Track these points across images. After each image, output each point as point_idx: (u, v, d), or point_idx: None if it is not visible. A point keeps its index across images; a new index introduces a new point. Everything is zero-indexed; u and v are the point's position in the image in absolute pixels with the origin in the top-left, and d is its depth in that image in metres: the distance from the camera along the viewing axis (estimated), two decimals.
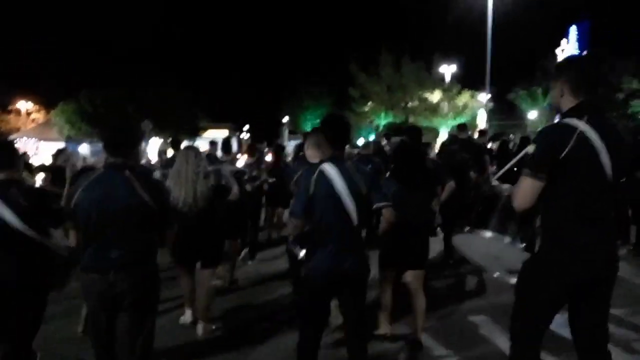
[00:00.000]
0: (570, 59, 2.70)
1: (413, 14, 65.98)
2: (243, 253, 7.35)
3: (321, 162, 3.15)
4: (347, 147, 3.76)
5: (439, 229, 6.01)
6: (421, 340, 4.19)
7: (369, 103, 34.16)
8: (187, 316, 4.86)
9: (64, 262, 3.30)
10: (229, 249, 5.96)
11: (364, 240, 3.29)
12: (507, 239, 2.87)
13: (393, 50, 30.24)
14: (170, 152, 9.59)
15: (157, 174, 6.02)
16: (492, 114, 34.21)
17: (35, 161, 11.75)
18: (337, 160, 3.11)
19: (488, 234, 2.93)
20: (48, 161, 7.99)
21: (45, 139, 25.96)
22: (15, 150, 3.30)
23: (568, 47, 15.14)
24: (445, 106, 30.34)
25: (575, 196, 2.36)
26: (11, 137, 28.52)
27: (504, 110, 34.83)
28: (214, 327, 4.63)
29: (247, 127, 57.43)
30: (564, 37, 14.65)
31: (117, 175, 2.83)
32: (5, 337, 3.13)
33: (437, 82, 30.95)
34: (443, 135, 32.54)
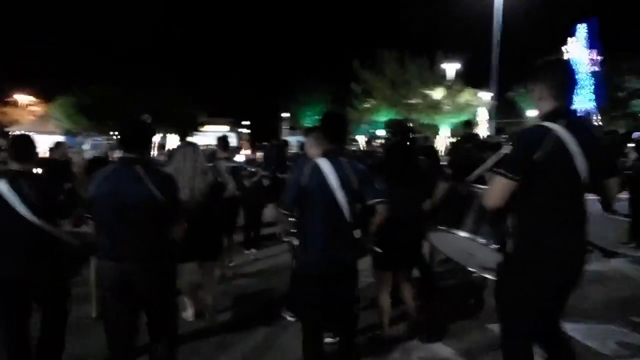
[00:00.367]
0: (550, 62, 2.61)
1: (416, 10, 65.81)
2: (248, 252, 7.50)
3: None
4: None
5: None
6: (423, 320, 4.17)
7: (369, 99, 34.05)
8: (189, 313, 4.82)
9: (74, 251, 3.41)
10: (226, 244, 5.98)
11: (358, 237, 3.29)
12: (482, 239, 2.83)
13: (396, 47, 30.18)
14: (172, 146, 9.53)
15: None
16: (492, 112, 34.13)
17: None
18: (332, 155, 3.15)
19: (463, 233, 2.89)
20: (45, 154, 7.89)
21: (43, 132, 25.80)
22: (33, 144, 3.38)
23: (575, 45, 14.93)
24: (446, 104, 30.19)
25: (549, 199, 2.37)
26: (9, 129, 28.42)
27: (505, 109, 34.76)
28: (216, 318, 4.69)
29: (246, 122, 57.25)
30: (570, 35, 14.54)
31: (130, 169, 2.91)
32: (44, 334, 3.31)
33: (439, 79, 30.78)
34: (443, 133, 32.68)
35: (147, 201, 2.86)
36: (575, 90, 2.59)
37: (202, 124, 37.34)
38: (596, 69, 15.00)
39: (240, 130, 46.29)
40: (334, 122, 3.35)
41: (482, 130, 28.91)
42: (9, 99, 38.21)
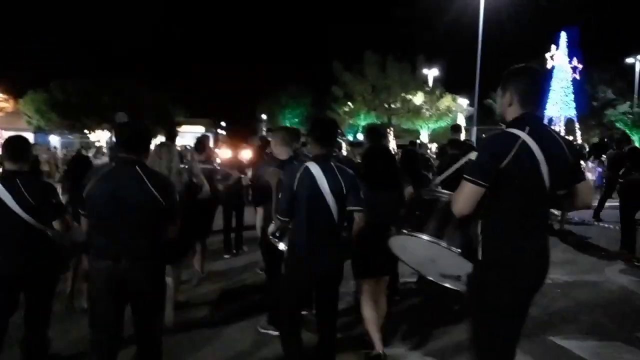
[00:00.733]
0: (519, 69, 2.55)
1: (399, 14, 66.05)
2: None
3: (295, 159, 3.32)
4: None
5: None
6: (384, 353, 3.94)
7: (349, 103, 33.95)
8: None
9: (65, 250, 3.55)
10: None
11: (343, 239, 3.36)
12: (444, 244, 2.76)
13: (378, 50, 30.18)
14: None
15: None
16: (469, 119, 34.45)
17: None
18: (322, 159, 3.21)
19: (425, 237, 2.82)
20: None
21: (12, 129, 24.85)
22: (29, 144, 3.53)
23: (558, 53, 15.10)
24: (427, 109, 30.32)
25: (516, 206, 2.40)
26: None
27: (483, 115, 35.14)
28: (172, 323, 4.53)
29: (223, 123, 56.63)
30: (553, 43, 14.69)
31: (129, 170, 2.94)
32: (27, 323, 3.41)
33: (420, 84, 30.93)
34: (423, 138, 32.82)
35: (148, 202, 2.91)
36: (543, 98, 2.61)
37: (180, 124, 36.71)
38: (577, 77, 15.23)
39: (219, 131, 45.68)
40: (324, 127, 3.41)
41: (462, 136, 29.01)
42: None
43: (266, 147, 7.95)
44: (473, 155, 2.45)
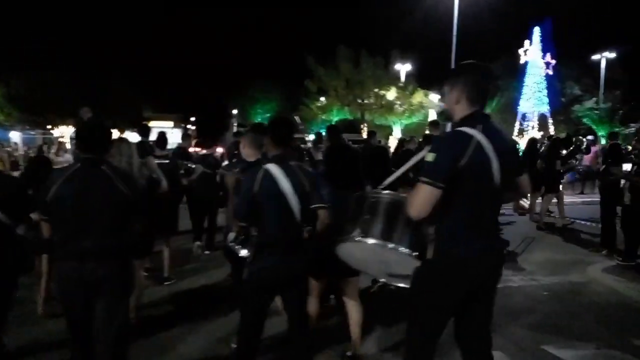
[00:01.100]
0: (467, 67, 2.57)
1: (372, 8, 65.76)
2: (196, 245, 7.39)
3: (263, 161, 3.25)
4: None
5: None
6: (361, 355, 3.97)
7: (322, 99, 33.65)
8: None
9: (31, 248, 3.52)
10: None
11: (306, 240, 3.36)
12: (391, 245, 2.73)
13: (351, 43, 29.91)
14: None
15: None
16: (441, 115, 34.62)
17: None
18: (282, 160, 3.19)
19: (372, 240, 2.80)
20: None
21: None
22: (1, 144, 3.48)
23: (532, 48, 15.12)
24: (400, 104, 30.24)
25: (469, 205, 2.40)
26: None
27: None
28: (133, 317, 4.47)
29: (193, 118, 55.54)
30: (527, 37, 14.72)
31: (95, 170, 2.95)
32: None
33: (393, 79, 30.80)
34: (396, 134, 32.81)
35: (118, 200, 2.93)
36: (488, 96, 2.58)
37: (148, 119, 35.83)
38: (550, 72, 15.32)
39: (188, 126, 44.78)
40: (281, 127, 3.37)
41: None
42: None
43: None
44: (428, 155, 2.38)
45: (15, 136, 34.59)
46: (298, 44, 52.64)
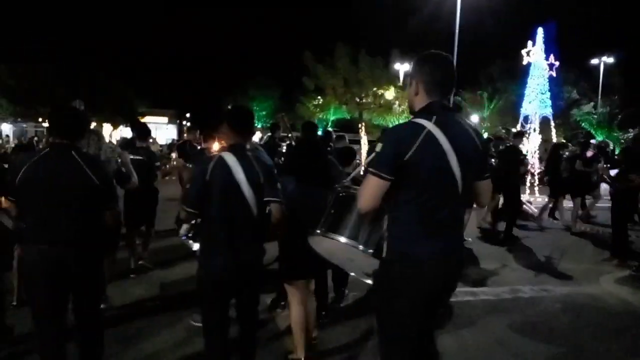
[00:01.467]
0: (426, 57, 2.45)
1: (372, 6, 65.14)
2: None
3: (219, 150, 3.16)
4: None
5: None
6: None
7: (319, 97, 33.30)
8: None
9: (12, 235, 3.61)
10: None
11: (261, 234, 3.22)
12: (361, 247, 2.66)
13: (350, 42, 29.52)
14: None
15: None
16: None
17: None
18: (238, 149, 3.09)
19: (342, 239, 2.72)
20: None
21: None
22: None
23: (534, 49, 14.82)
24: (399, 104, 29.92)
25: (421, 200, 2.27)
26: None
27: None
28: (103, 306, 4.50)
29: (188, 115, 54.99)
30: (530, 39, 14.45)
31: (65, 155, 2.93)
32: None
33: (393, 79, 30.47)
34: None
35: (86, 187, 2.92)
36: (451, 88, 2.45)
37: (142, 115, 35.34)
38: (553, 74, 15.07)
39: (184, 122, 44.27)
40: (241, 117, 3.27)
41: None
42: None
43: None
44: (377, 146, 2.30)
45: (6, 128, 34.02)
46: (297, 41, 52.11)
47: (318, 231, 2.87)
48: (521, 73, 33.44)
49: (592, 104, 34.86)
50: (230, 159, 3.00)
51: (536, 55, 14.84)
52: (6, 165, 5.95)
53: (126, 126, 33.63)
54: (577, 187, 9.71)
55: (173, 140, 31.63)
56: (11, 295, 4.63)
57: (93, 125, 30.80)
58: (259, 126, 42.78)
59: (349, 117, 32.60)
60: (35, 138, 22.48)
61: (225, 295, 3.09)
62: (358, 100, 30.10)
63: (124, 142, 8.84)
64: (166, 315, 4.72)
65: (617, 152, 17.95)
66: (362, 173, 3.56)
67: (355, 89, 29.87)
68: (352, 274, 3.24)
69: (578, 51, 34.14)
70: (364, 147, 15.11)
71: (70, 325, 3.10)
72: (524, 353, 4.23)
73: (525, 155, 10.34)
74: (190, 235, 3.55)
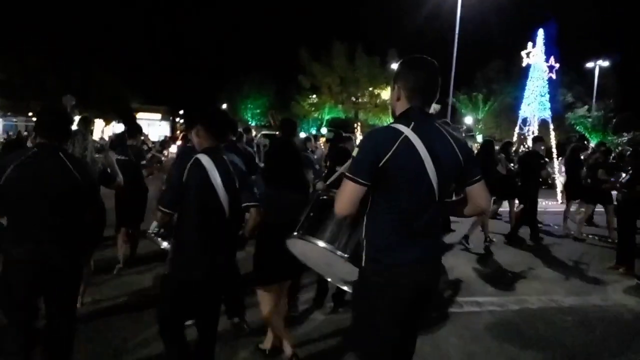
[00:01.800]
0: (410, 63, 2.42)
1: (371, 5, 64.72)
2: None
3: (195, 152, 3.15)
4: None
5: None
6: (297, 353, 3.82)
7: (313, 96, 33.02)
8: None
9: None
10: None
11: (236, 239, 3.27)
12: (339, 252, 2.60)
13: (346, 41, 29.21)
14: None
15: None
16: (436, 117, 34.24)
17: None
18: (214, 152, 3.07)
19: (320, 243, 2.66)
20: None
21: None
22: None
23: (534, 51, 14.69)
24: None
25: (398, 209, 2.26)
26: None
27: (444, 114, 35.10)
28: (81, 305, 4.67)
29: (182, 111, 54.51)
30: (530, 39, 14.32)
31: (52, 155, 2.97)
32: None
33: (390, 78, 30.27)
34: None
35: (72, 188, 2.97)
36: (433, 95, 2.36)
37: (135, 111, 34.93)
38: (553, 76, 14.89)
39: (177, 119, 43.83)
40: (217, 119, 3.25)
41: None
42: None
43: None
44: (355, 150, 2.30)
45: None
46: (293, 38, 51.82)
47: (295, 233, 2.82)
48: (518, 75, 33.66)
49: (586, 107, 34.86)
50: (207, 161, 2.98)
51: (536, 57, 14.69)
52: None
53: (119, 122, 33.21)
54: (595, 194, 9.49)
55: (166, 137, 31.33)
56: None
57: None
58: (253, 124, 42.50)
59: (343, 117, 32.37)
60: (25, 133, 22.07)
61: (192, 296, 3.07)
62: (354, 99, 29.83)
63: (114, 139, 8.62)
64: (148, 313, 4.61)
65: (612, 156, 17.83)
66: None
67: (351, 88, 29.61)
68: (329, 279, 3.17)
69: (573, 54, 34.17)
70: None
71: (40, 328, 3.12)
72: None
73: (546, 160, 10.22)
74: (159, 232, 3.54)
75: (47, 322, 3.09)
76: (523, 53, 15.01)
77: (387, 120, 30.57)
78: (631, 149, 8.28)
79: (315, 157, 8.61)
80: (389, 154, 2.17)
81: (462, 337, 4.60)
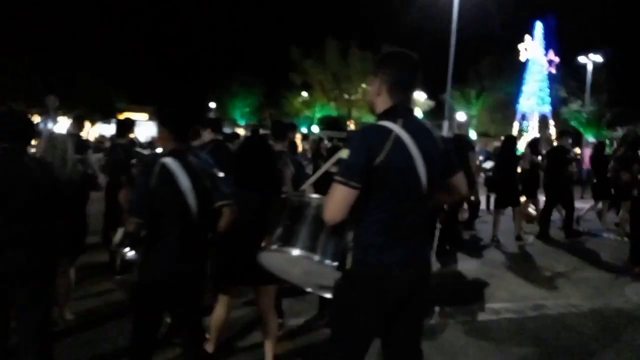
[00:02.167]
0: (391, 56, 2.37)
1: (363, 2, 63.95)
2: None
3: (161, 155, 3.07)
4: None
5: None
6: None
7: (305, 93, 32.55)
8: None
9: None
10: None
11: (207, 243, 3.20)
12: (317, 257, 2.47)
13: (339, 36, 28.72)
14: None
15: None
16: (429, 114, 34.01)
17: None
18: (179, 154, 3.00)
19: (296, 251, 2.52)
20: None
21: None
22: None
23: (532, 44, 14.37)
24: None
25: (389, 208, 2.20)
26: None
27: (439, 110, 34.84)
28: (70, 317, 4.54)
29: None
30: (528, 33, 13.94)
31: (16, 159, 2.95)
32: None
33: None
34: None
35: (37, 191, 2.95)
36: (414, 89, 2.39)
37: (121, 111, 34.30)
38: (553, 70, 14.58)
39: None
40: (179, 119, 3.15)
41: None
42: None
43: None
44: (345, 153, 2.22)
45: None
46: (284, 35, 51.18)
47: (274, 247, 2.64)
48: (511, 70, 33.48)
49: (579, 102, 34.76)
50: (173, 165, 2.91)
51: (534, 51, 14.36)
52: None
53: (104, 122, 32.61)
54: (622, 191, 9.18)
55: (152, 137, 30.68)
56: None
57: (69, 122, 29.91)
58: (242, 124, 41.96)
59: (335, 115, 31.97)
60: None
61: (163, 304, 3.03)
62: (347, 96, 29.35)
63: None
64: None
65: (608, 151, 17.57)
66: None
67: (344, 85, 29.14)
68: (309, 290, 3.01)
69: (565, 49, 34.02)
70: None
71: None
72: None
73: (573, 155, 10.09)
74: (124, 243, 3.44)
75: (21, 335, 3.03)
76: (521, 46, 14.66)
77: None
78: None
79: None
80: (382, 154, 2.12)
81: (481, 348, 4.23)
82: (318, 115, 32.88)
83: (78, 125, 7.79)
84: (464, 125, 33.44)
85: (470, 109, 37.37)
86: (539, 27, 13.50)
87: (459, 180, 2.45)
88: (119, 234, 3.51)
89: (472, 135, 31.49)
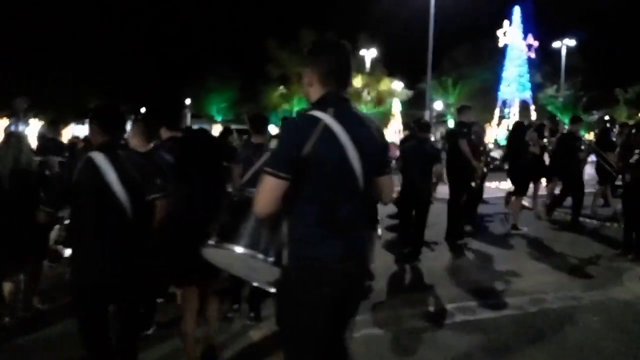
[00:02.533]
0: (320, 46, 2.31)
1: None
2: None
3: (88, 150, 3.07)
4: None
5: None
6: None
7: (281, 87, 32.12)
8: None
9: None
10: None
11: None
12: (260, 255, 2.41)
13: (315, 27, 28.33)
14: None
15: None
16: (407, 104, 33.92)
17: None
18: (107, 148, 2.97)
19: (239, 249, 2.46)
20: None
21: None
22: None
23: (511, 29, 14.25)
24: (367, 92, 29.07)
25: (320, 201, 2.15)
26: None
27: (417, 100, 34.75)
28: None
29: (143, 109, 52.73)
30: (506, 18, 13.80)
31: None
32: None
33: (359, 66, 29.59)
34: None
35: None
36: (348, 78, 2.31)
37: None
38: (532, 55, 14.52)
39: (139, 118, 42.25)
40: (108, 114, 3.17)
41: (398, 124, 28.27)
42: None
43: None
44: (273, 143, 1.71)
45: None
46: (259, 27, 50.36)
47: (211, 242, 2.62)
48: (488, 57, 33.51)
49: (555, 87, 35.08)
50: (100, 158, 2.89)
51: (513, 36, 14.24)
52: None
53: (77, 123, 31.85)
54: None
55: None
56: None
57: (41, 123, 28.97)
58: (219, 119, 41.28)
59: None
60: None
61: (103, 303, 2.98)
62: None
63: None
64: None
65: (584, 135, 17.63)
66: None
67: None
68: (255, 284, 3.01)
69: (544, 35, 34.18)
70: None
71: None
72: None
73: (583, 142, 10.06)
74: (62, 241, 3.46)
75: None
76: (499, 32, 14.53)
77: (360, 107, 30.10)
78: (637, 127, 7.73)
79: None
80: (310, 143, 2.08)
81: (484, 349, 4.04)
82: (296, 108, 32.51)
83: (54, 129, 7.98)
84: (442, 115, 33.42)
85: (448, 97, 37.42)
86: (517, 12, 13.41)
87: (384, 182, 2.41)
88: (54, 232, 3.52)
89: (451, 124, 31.52)
